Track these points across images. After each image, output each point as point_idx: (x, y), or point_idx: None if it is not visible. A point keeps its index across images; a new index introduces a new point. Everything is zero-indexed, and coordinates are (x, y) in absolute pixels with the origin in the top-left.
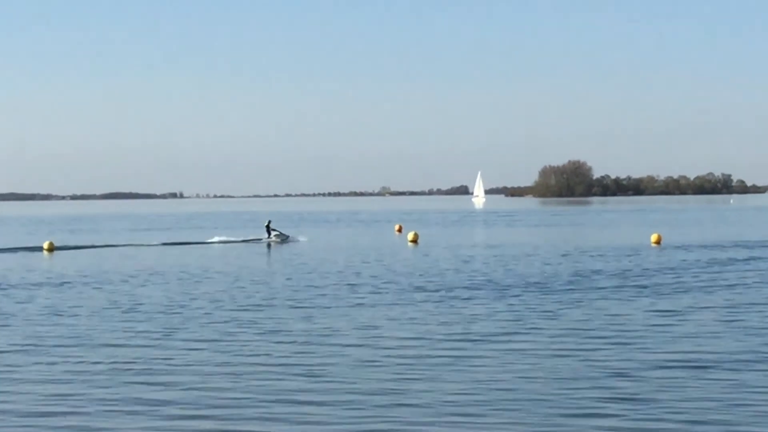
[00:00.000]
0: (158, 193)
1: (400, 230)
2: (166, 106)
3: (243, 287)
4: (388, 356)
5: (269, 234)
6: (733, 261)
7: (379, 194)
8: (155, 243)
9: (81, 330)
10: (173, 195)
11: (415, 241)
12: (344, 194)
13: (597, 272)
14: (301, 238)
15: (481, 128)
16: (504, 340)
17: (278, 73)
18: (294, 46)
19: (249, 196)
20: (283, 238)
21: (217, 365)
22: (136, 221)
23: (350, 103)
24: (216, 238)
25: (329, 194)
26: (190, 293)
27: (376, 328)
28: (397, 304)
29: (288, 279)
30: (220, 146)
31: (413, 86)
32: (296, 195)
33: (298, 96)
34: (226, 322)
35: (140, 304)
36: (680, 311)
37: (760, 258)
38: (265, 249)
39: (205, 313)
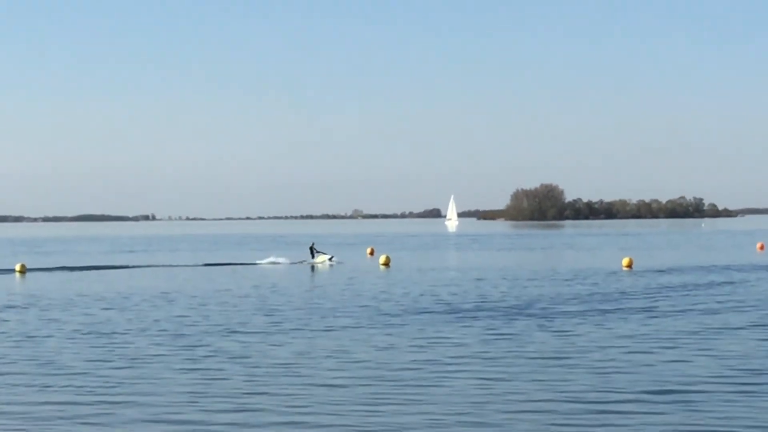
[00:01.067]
0: (130, 215)
1: (372, 253)
2: (138, 128)
3: (207, 310)
4: (341, 380)
5: (313, 256)
6: (704, 285)
7: (351, 217)
8: (197, 263)
9: (46, 353)
10: (145, 217)
11: (386, 264)
12: (317, 217)
13: (567, 296)
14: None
15: (454, 151)
16: (463, 366)
17: (250, 95)
18: (264, 69)
19: (221, 219)
20: (329, 259)
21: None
22: (120, 243)
23: (322, 126)
24: (267, 260)
25: (301, 217)
26: (150, 316)
27: (340, 352)
28: (361, 327)
29: (255, 302)
30: (192, 168)
31: (385, 109)
32: (269, 218)
33: (270, 118)
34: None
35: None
36: (649, 334)
37: (731, 282)
38: (309, 271)
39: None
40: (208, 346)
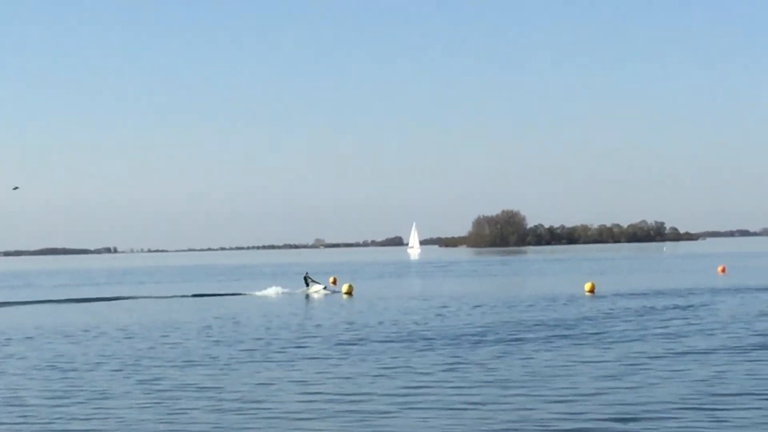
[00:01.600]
0: (92, 249)
1: (334, 282)
2: (98, 161)
3: (167, 343)
4: (303, 413)
5: (308, 285)
6: (667, 309)
7: (313, 246)
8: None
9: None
10: (107, 250)
11: (349, 293)
12: (279, 247)
13: (531, 323)
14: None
15: (415, 179)
16: (428, 395)
17: (209, 127)
18: (223, 99)
19: (184, 250)
20: (323, 288)
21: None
22: (92, 275)
23: (283, 156)
24: (269, 290)
25: (263, 247)
26: (101, 351)
27: (300, 383)
28: (322, 357)
29: (212, 333)
30: (153, 200)
31: (346, 138)
32: (231, 248)
33: (230, 149)
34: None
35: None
36: (613, 360)
37: (693, 306)
38: (303, 300)
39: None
40: (166, 379)
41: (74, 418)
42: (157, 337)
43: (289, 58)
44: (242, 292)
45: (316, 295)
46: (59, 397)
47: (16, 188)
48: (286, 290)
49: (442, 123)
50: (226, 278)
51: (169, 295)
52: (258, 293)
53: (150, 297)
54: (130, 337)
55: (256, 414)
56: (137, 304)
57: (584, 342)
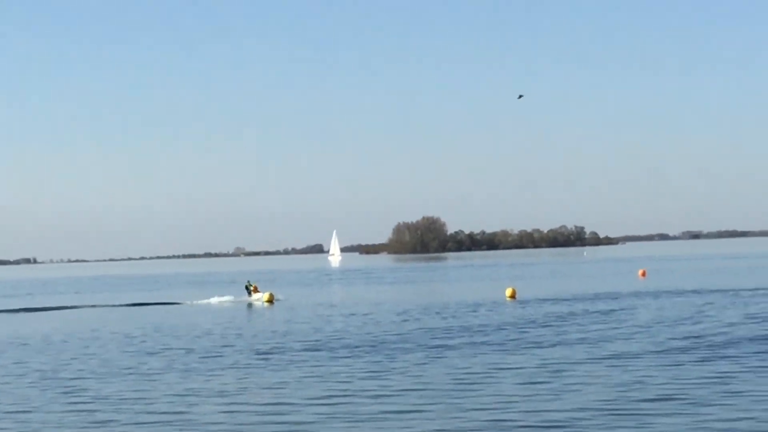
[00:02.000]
0: (11, 259)
1: (255, 290)
2: (16, 171)
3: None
4: (225, 424)
5: (249, 293)
6: (589, 313)
7: (234, 255)
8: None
9: None
10: (26, 260)
11: (270, 301)
12: (199, 256)
13: (452, 329)
14: (281, 296)
15: (335, 187)
16: (349, 402)
17: (129, 136)
18: (138, 108)
19: (104, 260)
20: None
21: None
22: (22, 286)
23: (202, 165)
24: (214, 299)
25: (184, 256)
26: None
27: (221, 394)
28: (233, 368)
29: (134, 343)
30: (73, 210)
31: (266, 147)
32: (151, 258)
33: (149, 159)
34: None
35: None
36: (535, 365)
37: (615, 310)
38: (246, 309)
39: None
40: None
41: None
42: (80, 348)
43: (207, 68)
44: (181, 302)
45: (257, 304)
46: None
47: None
48: (228, 299)
49: (361, 131)
50: (166, 287)
51: (106, 304)
52: (200, 302)
53: (86, 306)
54: (51, 348)
55: (175, 425)
56: (72, 314)
57: (506, 348)
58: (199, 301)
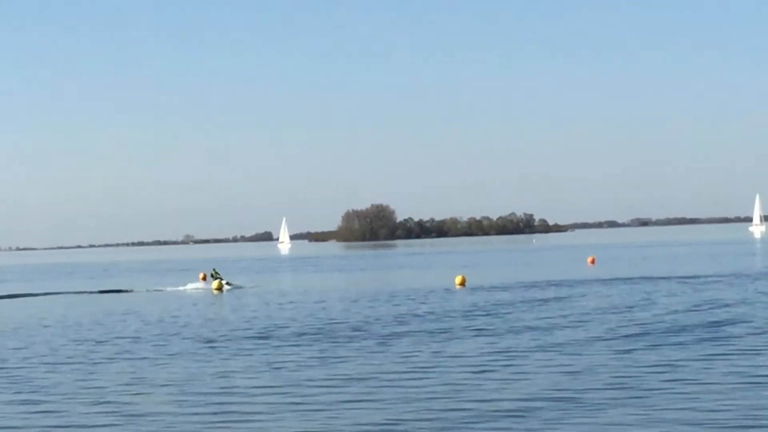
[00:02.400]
0: None
1: (204, 278)
2: None
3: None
4: (172, 411)
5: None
6: (538, 301)
7: (183, 242)
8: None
9: None
10: None
11: (219, 289)
12: (148, 243)
13: (400, 317)
14: (248, 285)
15: (283, 174)
16: (297, 393)
17: (77, 120)
18: (95, 94)
19: (53, 248)
20: (235, 285)
21: None
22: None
23: (151, 152)
24: (189, 285)
25: (133, 244)
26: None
27: (161, 383)
28: (184, 354)
29: (81, 331)
30: (19, 197)
31: (213, 133)
32: (100, 245)
33: (97, 145)
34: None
35: None
36: (484, 353)
37: (564, 297)
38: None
39: None
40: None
41: None
42: (28, 336)
43: (161, 51)
44: (158, 288)
45: (216, 292)
46: None
47: None
48: (199, 286)
49: (311, 117)
50: (118, 275)
51: (74, 291)
52: (179, 288)
53: (51, 294)
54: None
55: (120, 413)
56: (34, 302)
57: (456, 336)
58: (173, 288)
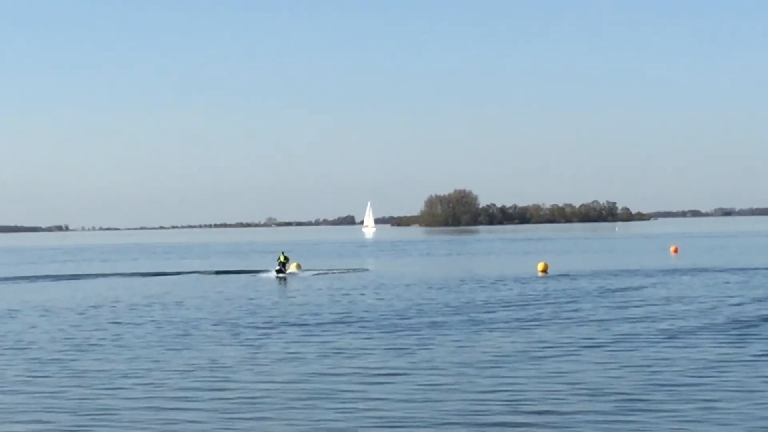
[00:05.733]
0: (43, 226)
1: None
2: (51, 139)
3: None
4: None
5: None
6: (620, 290)
7: (265, 225)
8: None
9: None
10: (59, 228)
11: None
12: (231, 225)
13: (490, 302)
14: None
15: (368, 158)
16: (375, 374)
17: (162, 105)
18: (172, 79)
19: (135, 228)
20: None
21: None
22: (81, 253)
23: (236, 134)
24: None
25: (215, 226)
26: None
27: (209, 367)
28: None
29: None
30: (105, 178)
31: (300, 116)
32: (183, 227)
33: (182, 128)
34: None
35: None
36: (570, 341)
37: (645, 287)
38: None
39: None
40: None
41: None
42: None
43: (237, 41)
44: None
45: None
46: None
47: None
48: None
49: (397, 103)
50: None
51: (189, 270)
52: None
53: (111, 275)
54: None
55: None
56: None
57: (539, 324)
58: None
